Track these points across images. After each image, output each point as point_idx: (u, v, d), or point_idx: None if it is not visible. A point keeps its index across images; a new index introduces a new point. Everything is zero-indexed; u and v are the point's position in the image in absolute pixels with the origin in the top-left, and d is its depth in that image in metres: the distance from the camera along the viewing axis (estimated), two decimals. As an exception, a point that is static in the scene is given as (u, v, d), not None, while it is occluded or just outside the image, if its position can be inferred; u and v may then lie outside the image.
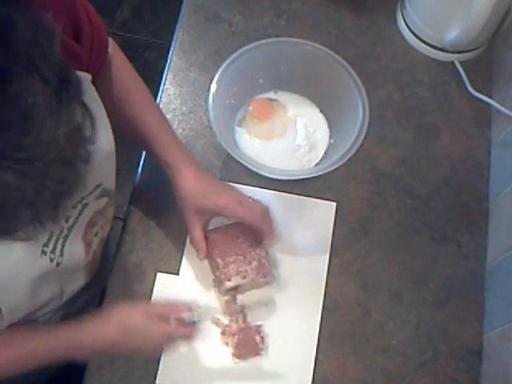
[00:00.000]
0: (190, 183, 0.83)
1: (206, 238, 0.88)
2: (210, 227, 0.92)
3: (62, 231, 0.71)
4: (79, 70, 0.53)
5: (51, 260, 0.70)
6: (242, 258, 0.87)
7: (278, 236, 0.92)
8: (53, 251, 0.70)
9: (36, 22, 0.43)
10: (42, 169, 0.43)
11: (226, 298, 0.89)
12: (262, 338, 0.87)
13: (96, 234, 0.81)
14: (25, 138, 0.41)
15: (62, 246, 0.72)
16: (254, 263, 0.87)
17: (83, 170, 0.48)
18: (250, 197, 0.87)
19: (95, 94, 0.68)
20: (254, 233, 0.87)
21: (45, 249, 0.68)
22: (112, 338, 0.76)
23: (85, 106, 0.48)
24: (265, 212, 0.86)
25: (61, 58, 0.45)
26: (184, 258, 0.92)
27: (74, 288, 0.83)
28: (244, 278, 0.86)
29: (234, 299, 0.89)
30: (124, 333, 0.76)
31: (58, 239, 0.71)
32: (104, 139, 0.70)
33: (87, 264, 0.81)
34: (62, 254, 0.72)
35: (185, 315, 0.80)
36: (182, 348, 0.87)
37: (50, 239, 0.69)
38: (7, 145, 0.41)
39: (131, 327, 0.77)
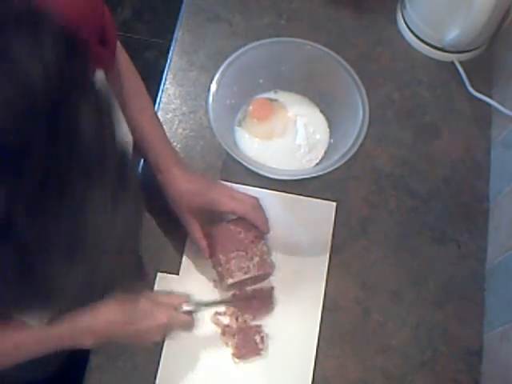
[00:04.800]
0: (181, 184, 0.85)
1: (208, 234, 0.88)
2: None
3: None
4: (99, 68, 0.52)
5: None
6: (243, 253, 0.87)
7: (272, 227, 0.90)
8: None
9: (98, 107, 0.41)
10: (93, 264, 0.42)
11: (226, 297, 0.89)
12: (262, 338, 0.87)
13: None
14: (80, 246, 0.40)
15: None
16: (256, 259, 0.87)
17: (131, 260, 0.48)
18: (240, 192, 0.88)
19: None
20: (255, 229, 0.88)
21: None
22: (113, 311, 0.77)
23: (139, 201, 0.46)
24: (256, 204, 0.87)
25: (121, 149, 0.42)
26: (184, 258, 0.92)
27: None
28: (246, 273, 0.86)
29: (235, 299, 0.89)
30: (127, 313, 0.78)
31: None
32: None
33: None
34: None
35: (184, 304, 0.84)
36: (182, 346, 0.87)
37: None
38: (61, 240, 0.39)
39: (135, 308, 0.79)
